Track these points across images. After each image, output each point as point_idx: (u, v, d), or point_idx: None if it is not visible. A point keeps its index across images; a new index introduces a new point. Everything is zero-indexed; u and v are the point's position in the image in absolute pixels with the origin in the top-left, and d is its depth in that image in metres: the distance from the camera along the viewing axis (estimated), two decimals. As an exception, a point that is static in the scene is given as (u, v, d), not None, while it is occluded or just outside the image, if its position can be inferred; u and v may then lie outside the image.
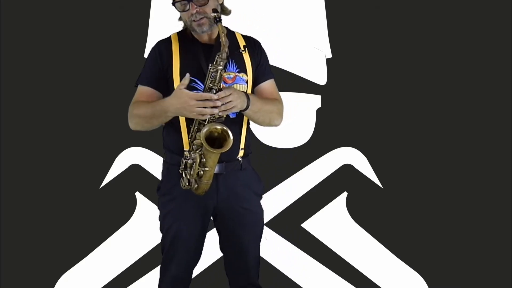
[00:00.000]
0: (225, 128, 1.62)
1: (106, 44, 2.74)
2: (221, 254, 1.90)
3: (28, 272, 2.69)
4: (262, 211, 1.88)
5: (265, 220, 1.94)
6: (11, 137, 2.73)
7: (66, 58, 2.73)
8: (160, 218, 1.82)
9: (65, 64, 2.73)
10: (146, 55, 2.62)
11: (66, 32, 2.73)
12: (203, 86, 1.67)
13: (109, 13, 2.75)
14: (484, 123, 2.77)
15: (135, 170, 2.77)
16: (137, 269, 2.72)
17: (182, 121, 1.71)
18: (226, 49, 1.62)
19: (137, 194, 2.76)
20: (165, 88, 1.73)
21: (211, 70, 1.63)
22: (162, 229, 1.83)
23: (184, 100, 1.57)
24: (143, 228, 2.71)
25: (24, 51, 2.73)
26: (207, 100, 1.57)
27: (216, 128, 1.62)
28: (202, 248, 1.84)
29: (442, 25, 2.77)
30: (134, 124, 1.75)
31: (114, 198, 2.75)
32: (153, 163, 2.73)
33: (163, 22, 2.40)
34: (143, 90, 1.76)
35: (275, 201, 2.76)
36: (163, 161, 1.83)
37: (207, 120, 1.62)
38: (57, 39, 2.73)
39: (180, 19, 1.81)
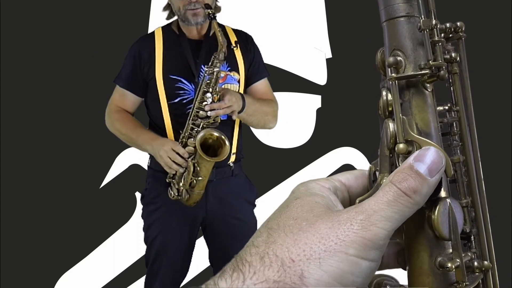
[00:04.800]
0: (222, 136, 1.47)
1: (106, 44, 2.67)
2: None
3: (28, 272, 2.63)
4: (255, 221, 1.68)
5: (265, 221, 1.86)
6: (11, 137, 2.67)
7: (66, 57, 2.67)
8: (144, 229, 1.69)
9: (65, 64, 2.68)
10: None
11: (66, 32, 2.68)
12: (190, 86, 1.52)
13: (109, 13, 2.68)
14: (484, 123, 2.68)
15: (135, 170, 2.70)
16: (137, 269, 2.64)
17: (168, 124, 1.56)
18: (224, 49, 1.45)
19: (137, 194, 2.69)
20: (142, 89, 1.61)
21: (206, 72, 1.46)
22: (146, 241, 1.68)
23: (165, 147, 1.49)
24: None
25: (23, 51, 2.67)
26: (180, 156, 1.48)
27: (212, 135, 1.46)
28: (190, 262, 1.68)
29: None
30: (112, 130, 1.67)
31: (114, 198, 2.69)
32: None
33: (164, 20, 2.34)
34: (120, 91, 1.66)
35: (275, 201, 2.68)
36: (148, 166, 1.70)
37: (200, 126, 1.47)
38: (57, 39, 2.68)
39: (165, 9, 1.66)
